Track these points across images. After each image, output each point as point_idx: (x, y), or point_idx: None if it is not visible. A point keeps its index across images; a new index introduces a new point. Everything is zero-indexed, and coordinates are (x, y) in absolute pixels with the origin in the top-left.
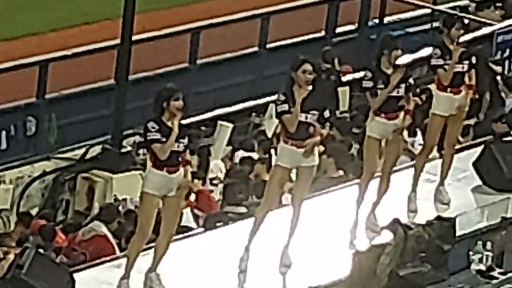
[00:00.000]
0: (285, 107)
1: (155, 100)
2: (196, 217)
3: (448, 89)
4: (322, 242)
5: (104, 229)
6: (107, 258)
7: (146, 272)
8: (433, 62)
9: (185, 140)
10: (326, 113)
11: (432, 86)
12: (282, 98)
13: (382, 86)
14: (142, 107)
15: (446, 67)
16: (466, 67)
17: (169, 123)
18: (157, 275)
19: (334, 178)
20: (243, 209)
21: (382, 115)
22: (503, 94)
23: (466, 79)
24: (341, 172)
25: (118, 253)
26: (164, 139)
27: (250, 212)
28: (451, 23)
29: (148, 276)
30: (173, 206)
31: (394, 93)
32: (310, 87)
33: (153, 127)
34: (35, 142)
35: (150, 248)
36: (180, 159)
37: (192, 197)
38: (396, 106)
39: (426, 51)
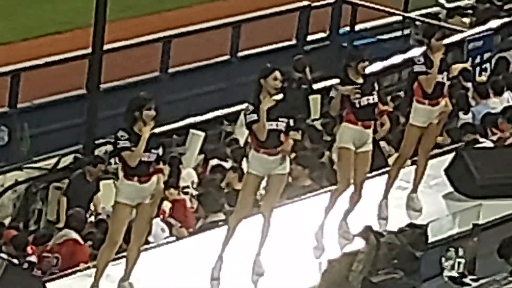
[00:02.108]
0: (254, 116)
1: (127, 108)
2: (170, 226)
3: (427, 102)
4: (295, 250)
5: (74, 235)
6: (80, 268)
7: (119, 281)
8: (416, 68)
9: (158, 150)
10: (292, 122)
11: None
12: (251, 108)
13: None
14: (114, 116)
15: (429, 75)
16: (445, 78)
17: (140, 132)
18: (130, 284)
19: (305, 186)
20: (223, 216)
21: (359, 123)
22: (472, 101)
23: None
24: (311, 181)
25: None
26: (134, 148)
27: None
28: (430, 33)
29: (121, 286)
30: (145, 213)
31: (370, 101)
32: (278, 96)
33: (123, 136)
34: (7, 151)
35: (122, 257)
36: (151, 169)
37: (168, 206)
38: (371, 114)
39: (397, 58)
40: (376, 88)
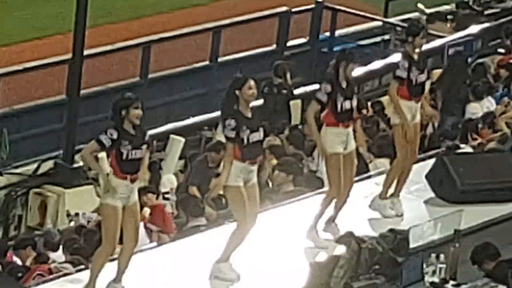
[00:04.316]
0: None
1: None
2: (149, 232)
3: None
4: (276, 255)
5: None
6: (61, 273)
7: (110, 282)
8: (398, 73)
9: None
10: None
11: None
12: (233, 123)
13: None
14: (94, 121)
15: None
16: (425, 77)
17: (131, 131)
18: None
19: (288, 191)
20: (204, 220)
21: (340, 124)
22: None
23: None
24: (294, 186)
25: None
26: (128, 146)
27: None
28: (416, 32)
29: (113, 286)
30: (133, 214)
31: (349, 105)
32: (259, 101)
33: (112, 133)
34: None
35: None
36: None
37: (147, 211)
38: (349, 116)
39: (377, 64)
40: (356, 92)
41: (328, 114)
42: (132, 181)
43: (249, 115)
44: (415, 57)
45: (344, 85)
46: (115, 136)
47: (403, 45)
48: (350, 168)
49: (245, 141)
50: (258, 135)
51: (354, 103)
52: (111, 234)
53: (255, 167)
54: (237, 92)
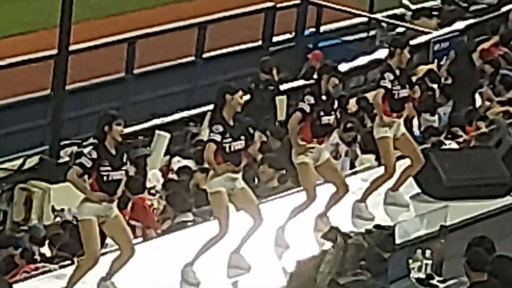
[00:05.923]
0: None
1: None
2: (132, 228)
3: (395, 114)
4: (262, 250)
5: None
6: (47, 269)
7: (99, 281)
8: (382, 83)
9: (126, 167)
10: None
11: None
12: (221, 128)
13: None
14: (79, 117)
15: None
16: (407, 92)
17: (112, 151)
18: (112, 283)
19: (274, 187)
20: (191, 216)
21: (314, 140)
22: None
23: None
24: (278, 182)
25: None
26: (108, 168)
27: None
28: (404, 43)
29: (103, 285)
30: (118, 226)
31: (329, 121)
32: (246, 97)
33: (91, 154)
34: None
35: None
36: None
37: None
38: (325, 131)
39: (363, 60)
40: (335, 107)
41: (305, 128)
42: (110, 202)
43: (232, 123)
44: (397, 72)
45: (324, 98)
46: (94, 155)
47: (386, 57)
48: (332, 174)
49: (227, 149)
50: (239, 144)
51: (332, 119)
52: (91, 247)
53: (238, 175)
54: (227, 96)
